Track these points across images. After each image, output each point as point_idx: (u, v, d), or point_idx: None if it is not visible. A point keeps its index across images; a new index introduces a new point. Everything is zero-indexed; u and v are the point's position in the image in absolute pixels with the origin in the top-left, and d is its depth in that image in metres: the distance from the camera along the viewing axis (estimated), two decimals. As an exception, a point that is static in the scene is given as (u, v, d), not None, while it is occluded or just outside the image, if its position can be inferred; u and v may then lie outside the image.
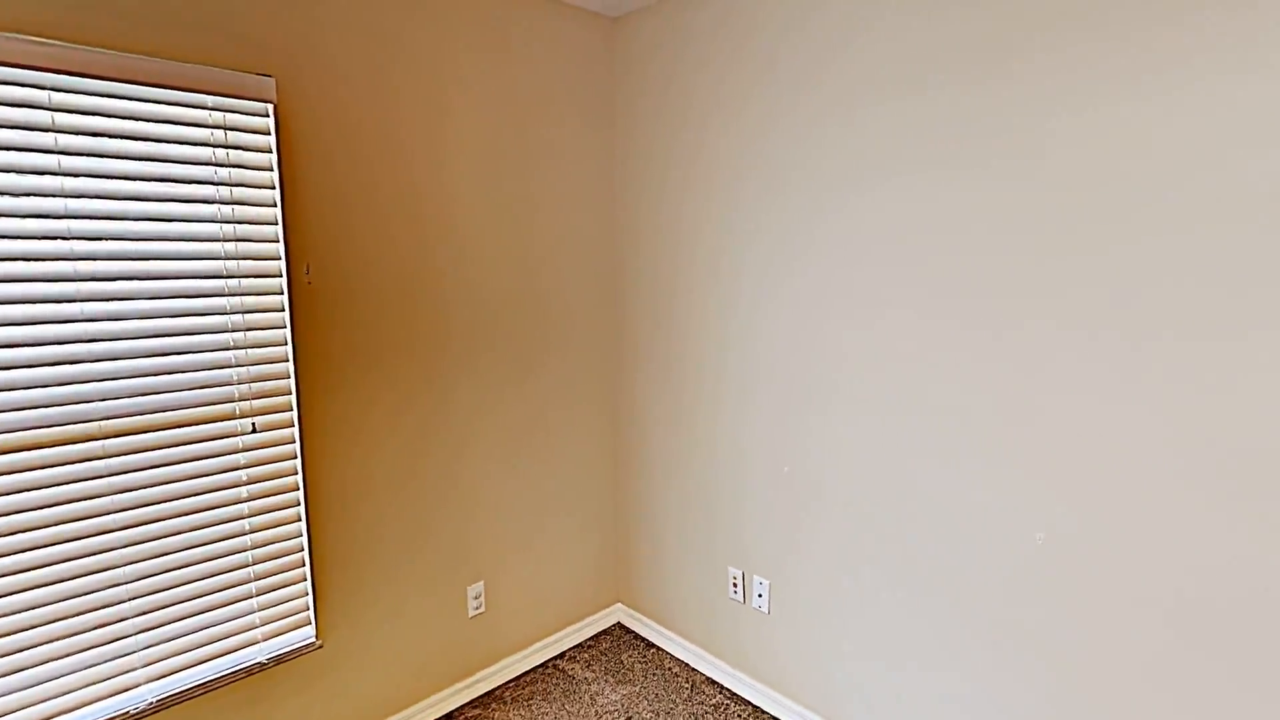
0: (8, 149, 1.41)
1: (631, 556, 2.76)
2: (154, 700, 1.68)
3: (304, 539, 1.92)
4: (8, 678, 1.51)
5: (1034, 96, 1.50)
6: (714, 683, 2.44)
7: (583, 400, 2.59)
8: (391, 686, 2.15)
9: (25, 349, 1.47)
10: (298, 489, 1.90)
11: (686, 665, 2.54)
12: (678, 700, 2.35)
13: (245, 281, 1.74)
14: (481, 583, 2.35)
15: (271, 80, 1.71)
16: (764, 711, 2.28)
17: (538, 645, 2.56)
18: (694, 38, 2.21)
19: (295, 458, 1.88)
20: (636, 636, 2.73)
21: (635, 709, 2.30)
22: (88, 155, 1.49)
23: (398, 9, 1.93)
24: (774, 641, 2.26)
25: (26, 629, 1.52)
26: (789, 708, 2.22)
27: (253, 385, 1.78)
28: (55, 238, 1.47)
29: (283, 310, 1.82)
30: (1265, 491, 1.30)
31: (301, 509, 1.91)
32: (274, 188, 1.76)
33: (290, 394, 1.85)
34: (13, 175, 1.42)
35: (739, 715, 2.27)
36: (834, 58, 1.85)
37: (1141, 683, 1.49)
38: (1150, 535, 1.44)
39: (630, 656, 2.60)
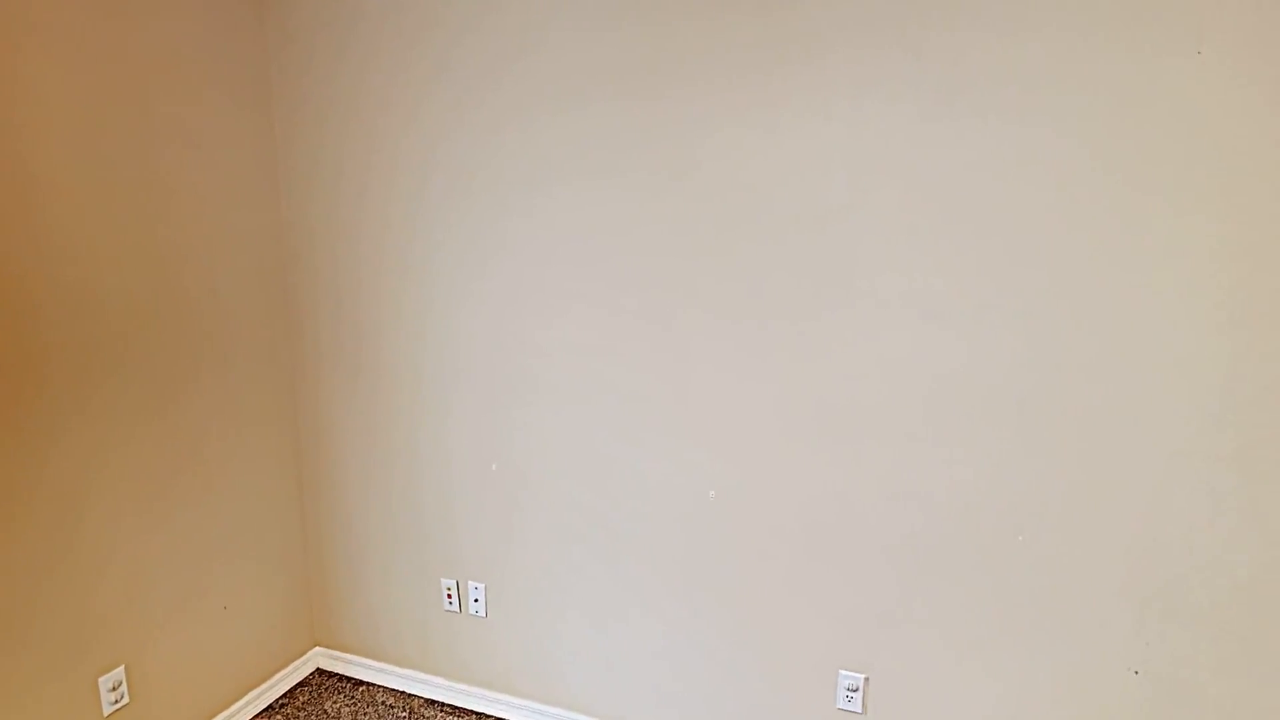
0: None
1: (329, 591, 2.47)
2: None
3: None
4: None
5: (684, 118, 1.76)
6: (434, 703, 2.33)
7: (253, 422, 2.23)
8: (-20, 841, 1.58)
9: None
10: None
11: (402, 694, 2.37)
12: (396, 733, 2.18)
13: None
14: (121, 668, 1.87)
15: None
16: (488, 715, 2.26)
17: (212, 723, 2.13)
18: (363, 21, 2.06)
19: None
20: (341, 678, 2.46)
21: (347, 758, 2.08)
22: None
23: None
24: (493, 643, 2.25)
25: None
26: (511, 704, 2.24)
27: None
28: None
29: None
30: (842, 433, 1.74)
31: None
32: None
33: None
34: None
35: (464, 727, 2.22)
36: (511, 66, 1.91)
37: (786, 595, 1.87)
38: (780, 478, 1.82)
39: (335, 703, 2.33)
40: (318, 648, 2.52)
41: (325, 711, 2.29)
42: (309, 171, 2.22)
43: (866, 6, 1.57)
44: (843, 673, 1.84)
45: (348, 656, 2.48)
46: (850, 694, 1.83)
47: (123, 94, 1.80)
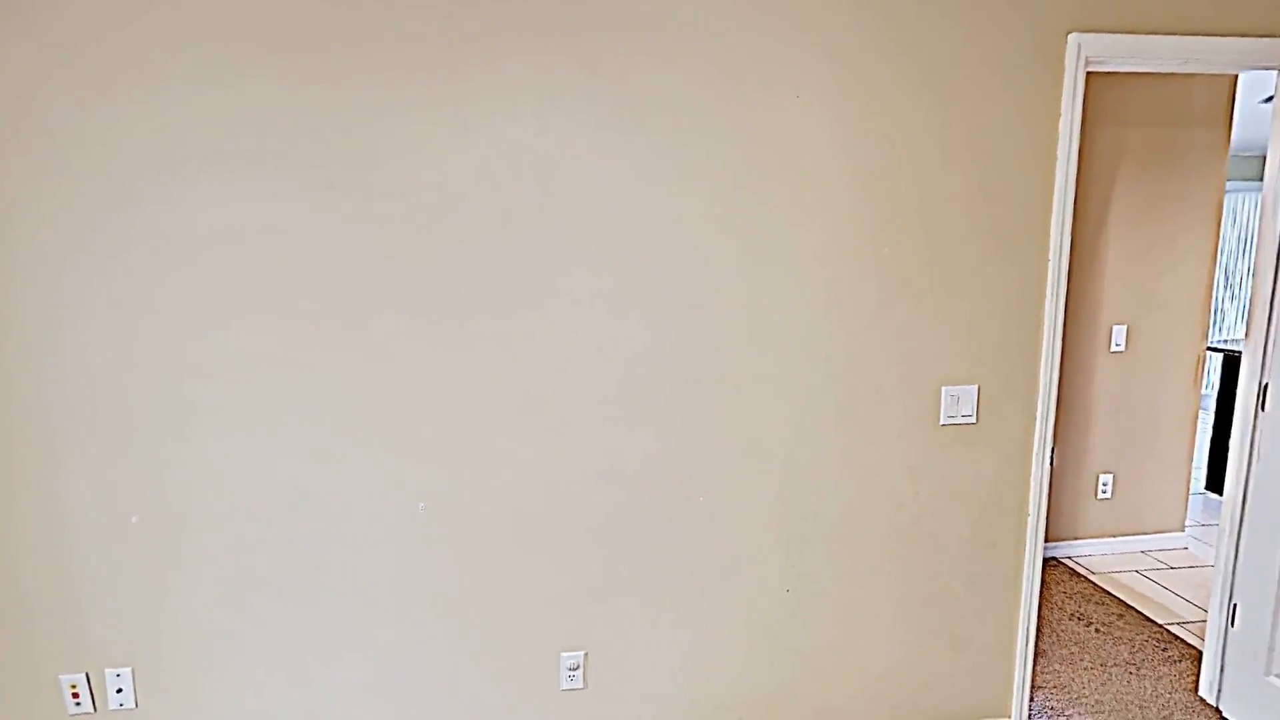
0: None
1: None
2: None
3: None
4: None
5: (364, 108, 1.64)
6: (60, 839, 1.77)
7: None
8: None
9: None
10: None
11: (3, 843, 1.76)
12: None
13: None
14: None
15: None
16: (150, 828, 1.81)
17: None
18: None
19: None
20: None
21: None
22: None
23: None
24: (151, 735, 1.81)
25: None
26: (186, 802, 1.83)
27: None
28: None
29: None
30: (546, 424, 1.82)
31: None
32: None
33: None
34: None
35: None
36: (131, 18, 1.55)
37: (503, 591, 1.88)
38: (490, 475, 1.82)
39: None
40: None
41: None
42: None
43: (543, 19, 1.66)
44: (564, 654, 1.92)
45: (-104, 823, 1.74)
46: (572, 673, 1.92)
47: None
